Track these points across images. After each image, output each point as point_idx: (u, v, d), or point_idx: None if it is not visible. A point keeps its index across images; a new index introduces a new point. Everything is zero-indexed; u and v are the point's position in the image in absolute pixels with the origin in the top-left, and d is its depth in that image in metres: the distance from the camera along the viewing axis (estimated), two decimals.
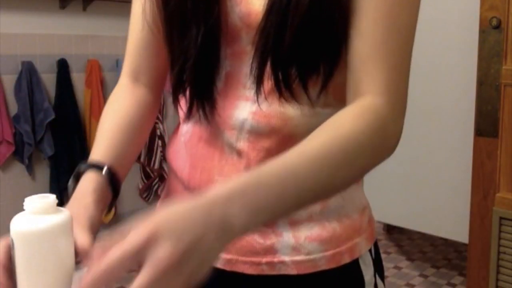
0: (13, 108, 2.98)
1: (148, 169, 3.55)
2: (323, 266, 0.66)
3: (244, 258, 0.67)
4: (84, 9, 3.21)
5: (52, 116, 2.98)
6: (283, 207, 0.53)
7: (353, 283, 0.69)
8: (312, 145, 0.55)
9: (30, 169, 3.08)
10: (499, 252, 1.89)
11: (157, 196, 3.57)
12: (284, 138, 0.65)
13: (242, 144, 0.66)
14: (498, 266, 1.90)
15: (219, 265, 0.68)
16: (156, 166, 3.53)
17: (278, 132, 0.65)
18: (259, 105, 0.64)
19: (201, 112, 0.68)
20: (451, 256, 3.07)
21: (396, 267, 2.94)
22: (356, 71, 0.60)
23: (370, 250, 0.71)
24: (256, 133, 0.65)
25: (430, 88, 2.39)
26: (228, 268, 0.67)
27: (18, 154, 3.00)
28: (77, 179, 0.66)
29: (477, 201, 1.97)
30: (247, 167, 0.65)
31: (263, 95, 0.64)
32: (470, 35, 2.08)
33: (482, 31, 1.88)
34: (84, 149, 3.21)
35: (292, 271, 0.66)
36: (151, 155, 3.52)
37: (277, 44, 0.59)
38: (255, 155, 0.65)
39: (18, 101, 2.97)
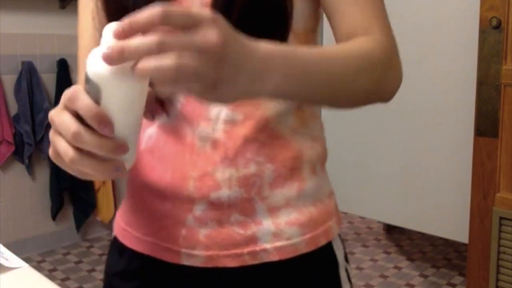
0: (13, 108, 2.98)
1: None
2: (303, 249, 0.68)
3: (225, 252, 0.67)
4: None
5: None
6: (310, 85, 0.54)
7: (329, 265, 0.71)
8: (336, 47, 0.58)
9: (30, 169, 3.08)
10: (499, 252, 1.89)
11: None
12: (258, 124, 0.66)
13: (219, 134, 0.65)
14: (498, 266, 1.90)
15: (200, 263, 0.67)
16: None
17: (251, 118, 0.65)
18: None
19: (173, 109, 0.67)
20: (451, 256, 3.08)
21: (396, 267, 2.94)
22: (345, 15, 0.64)
23: (339, 234, 0.73)
24: (231, 121, 0.65)
25: (430, 88, 2.39)
26: (209, 265, 0.67)
27: (18, 154, 3.00)
28: None
29: (477, 201, 1.97)
30: (224, 157, 0.66)
31: None
32: (470, 35, 2.08)
33: (482, 31, 1.88)
34: None
35: (274, 258, 0.67)
36: None
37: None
38: (232, 144, 0.66)
39: (18, 101, 2.97)
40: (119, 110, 0.47)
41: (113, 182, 3.36)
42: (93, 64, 0.46)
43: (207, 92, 0.44)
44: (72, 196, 3.22)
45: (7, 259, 0.94)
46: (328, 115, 2.85)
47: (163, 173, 0.68)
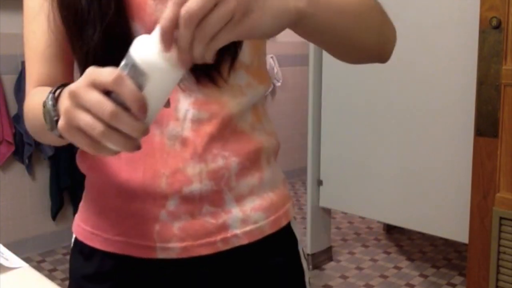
0: (13, 108, 2.98)
1: None
2: (268, 231, 0.75)
3: (199, 242, 0.72)
4: None
5: None
6: (329, 14, 0.61)
7: (290, 242, 0.80)
8: None
9: (30, 169, 3.08)
10: (499, 252, 1.89)
11: None
12: (223, 121, 0.71)
13: (187, 133, 0.70)
14: (498, 266, 1.90)
15: (175, 255, 0.72)
16: None
17: (217, 116, 0.71)
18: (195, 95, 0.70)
19: None
20: (451, 256, 3.08)
21: (396, 267, 2.94)
22: None
23: (294, 217, 0.82)
24: (198, 120, 0.70)
25: (430, 88, 2.39)
26: (185, 256, 0.72)
27: (18, 154, 3.00)
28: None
29: (477, 201, 1.97)
30: (194, 153, 0.70)
31: (195, 85, 0.70)
32: (470, 35, 2.08)
33: (482, 31, 1.88)
34: None
35: (244, 241, 0.73)
36: None
37: None
38: (200, 141, 0.70)
39: (18, 101, 2.97)
40: (158, 97, 0.52)
41: None
42: (144, 52, 0.50)
43: (246, 19, 0.50)
44: (72, 196, 3.22)
45: (7, 259, 0.94)
46: (328, 115, 2.86)
47: (133, 174, 0.71)
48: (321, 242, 3.02)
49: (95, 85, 0.50)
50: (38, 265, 3.00)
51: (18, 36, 2.99)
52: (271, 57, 4.29)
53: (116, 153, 0.53)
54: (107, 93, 0.50)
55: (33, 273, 0.93)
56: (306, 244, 2.93)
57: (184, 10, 0.47)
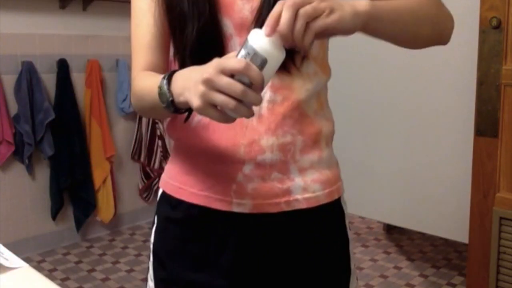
0: (13, 108, 2.98)
1: (148, 169, 3.55)
2: (323, 200, 0.90)
3: (267, 201, 0.87)
4: (84, 9, 3.22)
5: (52, 116, 2.98)
6: (392, 15, 0.79)
7: (339, 214, 0.95)
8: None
9: (30, 169, 3.08)
10: (499, 252, 1.89)
11: (157, 196, 3.56)
12: (293, 104, 0.86)
13: (264, 111, 0.85)
14: (498, 266, 1.90)
15: (248, 210, 0.87)
16: (156, 166, 3.53)
17: (288, 99, 0.86)
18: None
19: None
20: (451, 256, 3.08)
21: (396, 267, 2.94)
22: None
23: (343, 195, 0.96)
24: (273, 101, 0.85)
25: (430, 88, 2.39)
26: (255, 211, 0.87)
27: (18, 154, 3.00)
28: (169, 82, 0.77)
29: (477, 201, 1.97)
30: (268, 128, 0.85)
31: None
32: (470, 35, 2.08)
33: (482, 31, 1.88)
34: (84, 149, 3.21)
35: (303, 206, 0.88)
36: (151, 155, 3.52)
37: None
38: (273, 119, 0.85)
39: (18, 101, 2.97)
40: (269, 75, 0.68)
41: (113, 183, 3.36)
42: (262, 42, 0.67)
43: (332, 15, 0.69)
44: (72, 196, 3.22)
45: (7, 259, 0.94)
46: None
47: (218, 142, 0.86)
48: None
49: (224, 72, 0.65)
50: (38, 265, 3.00)
51: (18, 36, 3.00)
52: None
53: (232, 120, 0.69)
54: (231, 76, 0.65)
55: (33, 273, 0.93)
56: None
57: (289, 1, 0.66)
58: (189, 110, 0.78)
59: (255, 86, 0.66)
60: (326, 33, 0.71)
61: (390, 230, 3.44)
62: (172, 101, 0.75)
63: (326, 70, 0.94)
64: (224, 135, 0.86)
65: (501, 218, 1.88)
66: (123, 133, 3.46)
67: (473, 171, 1.97)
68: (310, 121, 0.89)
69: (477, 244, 1.98)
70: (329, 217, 0.93)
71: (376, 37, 0.82)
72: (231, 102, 0.65)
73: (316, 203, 0.89)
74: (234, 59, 0.66)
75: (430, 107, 2.40)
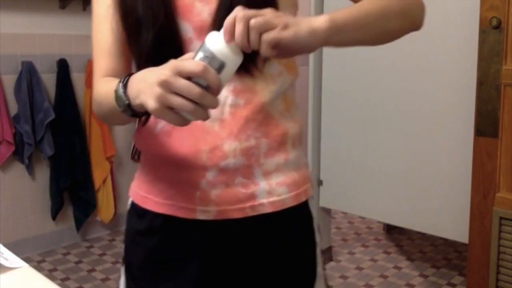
0: (13, 108, 2.98)
1: None
2: (289, 203, 0.89)
3: (232, 207, 0.86)
4: (84, 9, 3.21)
5: (52, 116, 2.98)
6: (353, 24, 0.77)
7: (307, 217, 0.93)
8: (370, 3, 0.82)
9: (30, 169, 3.08)
10: (499, 252, 1.89)
11: None
12: (256, 106, 0.85)
13: (226, 116, 0.84)
14: (498, 266, 1.90)
15: (212, 217, 0.86)
16: None
17: (251, 102, 0.85)
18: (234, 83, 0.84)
19: None
20: (451, 256, 3.08)
21: (396, 267, 2.94)
22: None
23: (312, 196, 0.95)
24: (235, 105, 0.84)
25: (430, 88, 2.39)
26: (220, 218, 0.86)
27: (18, 154, 3.00)
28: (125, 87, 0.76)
29: (477, 201, 1.97)
30: (230, 133, 0.84)
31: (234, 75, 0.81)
32: (470, 35, 2.07)
33: (482, 31, 1.88)
34: (84, 149, 3.21)
35: (268, 210, 0.87)
36: None
37: None
38: (236, 123, 0.84)
39: (18, 101, 2.97)
40: (227, 79, 0.69)
41: (113, 183, 3.36)
42: (219, 46, 0.67)
43: (287, 30, 0.69)
44: (72, 196, 3.22)
45: (7, 259, 0.94)
46: (328, 115, 2.85)
47: (180, 150, 0.85)
48: (321, 242, 3.01)
49: (181, 74, 0.65)
50: (38, 265, 3.00)
51: (18, 36, 3.00)
52: None
53: (188, 122, 0.68)
54: (188, 78, 0.65)
55: (33, 273, 0.93)
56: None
57: (241, 13, 0.67)
58: (148, 113, 0.76)
59: (212, 90, 0.65)
60: (284, 50, 0.70)
61: (390, 230, 3.44)
62: (129, 105, 0.74)
63: (292, 69, 0.91)
64: (185, 142, 0.85)
65: (501, 218, 1.88)
66: (123, 133, 3.46)
67: (473, 171, 1.97)
68: (275, 123, 0.87)
69: (477, 244, 1.98)
70: (296, 221, 0.92)
71: (344, 47, 0.82)
72: (188, 105, 0.65)
73: (282, 207, 0.88)
74: (191, 62, 0.66)
75: (430, 107, 2.40)
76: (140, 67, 0.84)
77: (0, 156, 2.93)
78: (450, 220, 2.37)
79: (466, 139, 2.09)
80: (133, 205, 0.96)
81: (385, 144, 2.60)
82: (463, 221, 2.12)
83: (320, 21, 0.73)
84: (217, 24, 0.80)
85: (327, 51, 2.81)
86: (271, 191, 0.87)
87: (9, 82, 2.96)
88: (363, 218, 3.62)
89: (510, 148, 1.86)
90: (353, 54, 2.62)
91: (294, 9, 0.90)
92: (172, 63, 0.67)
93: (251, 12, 0.68)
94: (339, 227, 3.57)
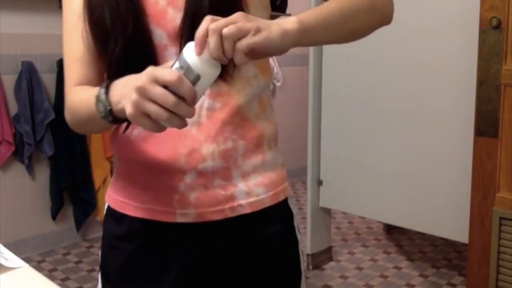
0: (13, 108, 2.98)
1: None
2: (268, 203, 0.89)
3: (211, 209, 0.86)
4: None
5: (52, 116, 2.98)
6: (322, 23, 0.78)
7: (287, 215, 0.94)
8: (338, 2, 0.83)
9: (30, 169, 3.08)
10: (499, 252, 1.89)
11: None
12: (233, 109, 0.86)
13: (203, 119, 0.85)
14: (498, 266, 1.90)
15: (192, 220, 0.86)
16: None
17: (227, 105, 0.85)
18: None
19: None
20: (451, 256, 3.08)
21: (396, 267, 2.94)
22: None
23: (290, 195, 0.96)
24: (212, 109, 0.85)
25: (430, 88, 2.39)
26: (199, 220, 0.86)
27: (18, 154, 3.00)
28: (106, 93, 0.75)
29: (477, 201, 1.97)
30: (208, 136, 0.85)
31: None
32: (470, 35, 2.08)
33: (482, 31, 1.88)
34: (84, 149, 3.21)
35: (247, 210, 0.88)
36: None
37: (192, 38, 0.75)
38: (213, 126, 0.85)
39: (18, 101, 2.97)
40: (202, 90, 0.69)
41: None
42: (196, 58, 0.67)
43: (259, 34, 0.69)
44: (72, 196, 3.22)
45: (7, 259, 0.94)
46: (328, 115, 2.85)
47: (157, 153, 0.85)
48: (321, 242, 3.02)
49: (158, 82, 0.64)
50: (38, 265, 3.00)
51: (18, 36, 3.00)
52: (271, 57, 4.29)
53: (164, 129, 0.68)
54: (164, 87, 0.65)
55: (33, 273, 0.93)
56: (306, 244, 2.94)
57: (212, 24, 0.66)
58: (128, 119, 0.76)
59: (188, 101, 0.65)
60: (258, 53, 0.70)
61: (390, 230, 3.44)
62: (110, 110, 0.73)
63: (266, 71, 0.91)
64: (163, 146, 0.85)
65: (501, 218, 1.88)
66: None
67: (473, 171, 1.97)
68: (251, 125, 0.88)
69: (477, 244, 1.98)
70: (275, 220, 0.92)
71: (314, 46, 0.85)
72: (163, 113, 0.65)
73: (261, 206, 0.89)
74: (167, 70, 0.65)
75: (430, 107, 2.40)
76: (110, 77, 0.83)
77: (0, 156, 2.93)
78: (450, 220, 2.37)
79: (466, 139, 2.09)
80: (110, 210, 0.94)
81: (385, 144, 2.60)
82: (463, 221, 2.12)
83: (290, 23, 0.73)
84: (183, 34, 0.80)
85: (327, 51, 2.81)
86: (249, 192, 0.88)
87: (9, 82, 2.96)
88: (363, 218, 3.62)
89: (510, 148, 1.86)
90: (353, 54, 2.63)
91: (266, 12, 0.90)
92: (150, 70, 0.66)
93: (222, 21, 0.67)
94: (339, 227, 3.57)
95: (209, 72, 0.67)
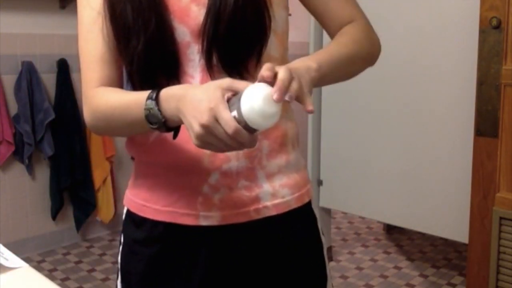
0: (13, 108, 2.98)
1: None
2: (293, 205, 0.88)
3: (235, 211, 0.84)
4: None
5: (52, 116, 2.98)
6: (333, 69, 0.81)
7: (311, 217, 0.93)
8: (335, 44, 0.88)
9: (30, 169, 3.08)
10: (499, 252, 1.89)
11: None
12: None
13: None
14: (498, 266, 1.90)
15: (216, 222, 0.84)
16: None
17: None
18: None
19: None
20: (451, 256, 3.08)
21: (396, 267, 2.94)
22: (335, 11, 0.91)
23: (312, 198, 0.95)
24: None
25: (430, 88, 2.39)
26: (224, 223, 0.84)
27: (18, 154, 3.00)
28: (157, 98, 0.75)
29: (477, 201, 1.97)
30: None
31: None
32: (470, 35, 2.08)
33: (482, 31, 1.88)
34: (84, 149, 3.21)
35: (273, 212, 0.86)
36: None
37: (215, 35, 0.79)
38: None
39: (18, 101, 2.97)
40: (261, 131, 0.68)
41: (113, 182, 3.36)
42: (255, 114, 0.65)
43: (301, 81, 0.71)
44: (72, 196, 3.22)
45: (7, 259, 0.94)
46: (328, 115, 2.85)
47: (180, 155, 0.83)
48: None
49: (219, 121, 0.65)
50: (38, 265, 3.00)
51: (18, 36, 3.00)
52: None
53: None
54: None
55: (33, 273, 0.93)
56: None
57: (290, 73, 0.68)
58: (178, 127, 0.77)
59: (248, 146, 0.68)
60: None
61: (390, 230, 3.44)
62: (165, 122, 0.73)
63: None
64: (186, 146, 0.83)
65: (501, 218, 1.88)
66: None
67: (473, 171, 1.97)
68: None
69: (477, 244, 1.98)
70: (300, 222, 0.90)
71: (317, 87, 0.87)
72: (226, 148, 0.67)
73: (286, 209, 0.87)
74: (226, 119, 0.65)
75: (430, 107, 2.40)
76: (131, 74, 0.82)
77: (0, 156, 2.93)
78: (450, 220, 2.37)
79: (466, 139, 2.09)
80: (130, 214, 0.92)
81: (385, 144, 2.60)
82: (463, 221, 2.12)
83: (313, 71, 0.76)
84: (207, 28, 0.79)
85: None
86: (274, 193, 0.86)
87: (9, 82, 2.96)
88: (363, 218, 3.62)
89: (510, 148, 1.86)
90: None
91: (286, 12, 0.89)
92: (213, 109, 0.66)
93: (287, 81, 0.68)
94: (339, 227, 3.57)
95: (267, 125, 0.67)
